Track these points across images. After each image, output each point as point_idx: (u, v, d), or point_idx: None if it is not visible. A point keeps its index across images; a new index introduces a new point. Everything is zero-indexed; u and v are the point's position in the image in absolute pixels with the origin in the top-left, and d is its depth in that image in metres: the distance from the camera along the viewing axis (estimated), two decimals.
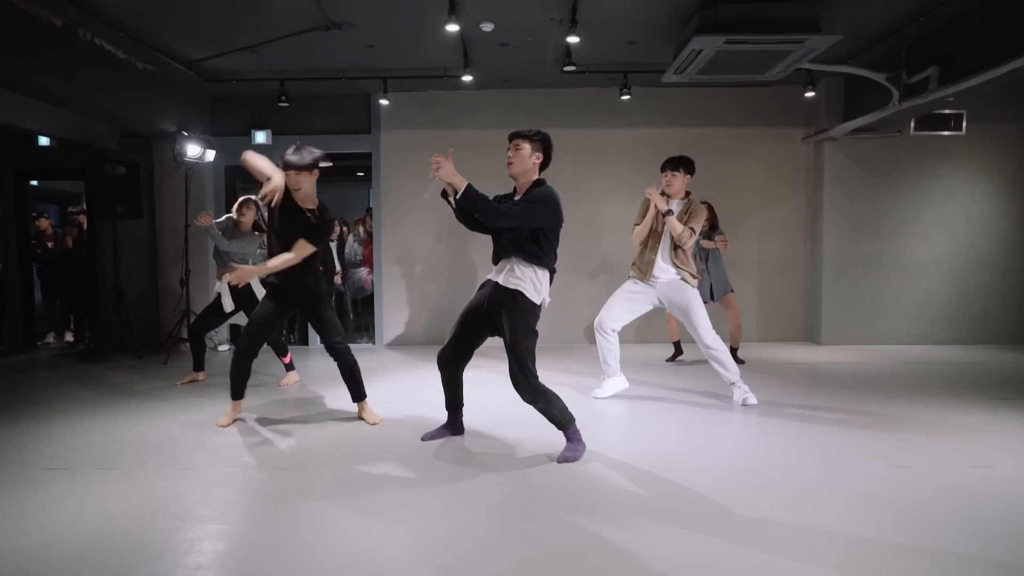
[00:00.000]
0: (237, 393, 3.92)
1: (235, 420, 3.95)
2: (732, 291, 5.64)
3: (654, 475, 3.02)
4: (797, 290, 6.92)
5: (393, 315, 6.96)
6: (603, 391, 4.52)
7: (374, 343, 7.03)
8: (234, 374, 3.88)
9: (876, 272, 6.62)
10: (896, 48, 5.21)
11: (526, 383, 3.09)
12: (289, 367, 5.10)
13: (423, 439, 3.54)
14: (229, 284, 4.50)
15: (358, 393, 3.98)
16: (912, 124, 6.32)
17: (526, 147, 3.20)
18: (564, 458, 3.17)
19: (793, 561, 2.21)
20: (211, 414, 4.13)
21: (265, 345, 3.97)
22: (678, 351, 5.88)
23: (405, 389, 4.87)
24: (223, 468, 3.18)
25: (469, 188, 3.04)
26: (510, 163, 3.21)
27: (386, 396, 4.57)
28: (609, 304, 4.45)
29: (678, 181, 4.34)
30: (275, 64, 5.81)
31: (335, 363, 3.93)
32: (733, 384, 4.31)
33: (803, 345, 6.71)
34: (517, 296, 3.10)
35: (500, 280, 3.15)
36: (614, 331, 4.41)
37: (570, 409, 3.25)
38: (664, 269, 4.33)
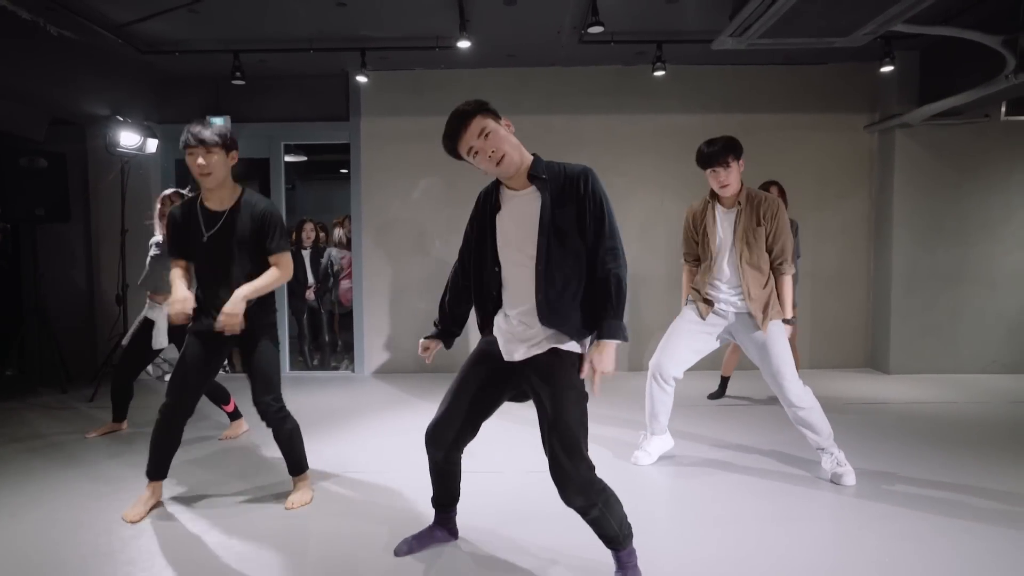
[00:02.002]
0: (158, 471, 2.83)
1: (152, 509, 2.80)
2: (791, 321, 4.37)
3: None
4: (859, 308, 5.80)
5: (376, 337, 5.83)
6: (648, 455, 3.39)
7: (353, 371, 5.89)
8: (157, 443, 2.78)
9: (957, 286, 5.50)
10: (1010, 3, 4.10)
11: (578, 476, 1.96)
12: (234, 416, 3.96)
13: (397, 553, 2.39)
14: (169, 316, 2.75)
15: (294, 465, 2.92)
16: (1004, 107, 5.21)
17: (490, 122, 2.03)
18: None
19: None
20: (118, 489, 3.00)
21: None
22: (723, 389, 4.76)
23: (389, 444, 3.74)
24: None
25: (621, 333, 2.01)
26: (492, 158, 2.03)
27: (360, 453, 3.44)
28: (667, 342, 3.28)
29: (734, 175, 3.09)
30: (226, 31, 4.69)
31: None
32: (822, 450, 3.17)
33: (866, 373, 5.59)
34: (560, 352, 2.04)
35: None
36: (675, 379, 3.28)
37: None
38: (738, 295, 3.14)
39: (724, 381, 4.76)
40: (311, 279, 6.13)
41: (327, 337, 6.36)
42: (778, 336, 3.08)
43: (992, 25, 4.14)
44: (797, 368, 3.14)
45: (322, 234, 6.47)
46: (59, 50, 4.56)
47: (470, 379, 2.21)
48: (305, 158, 7.53)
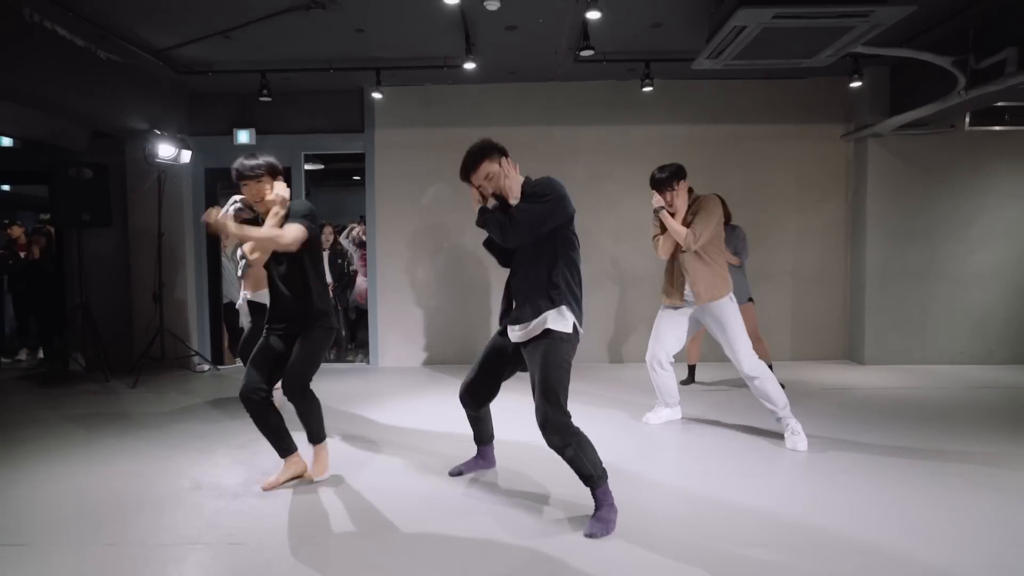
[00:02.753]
0: (283, 447, 3.06)
1: (289, 480, 3.08)
2: (752, 300, 4.99)
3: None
4: (836, 304, 6.24)
5: (390, 333, 6.31)
6: (657, 416, 4.14)
7: (368, 363, 6.38)
8: (261, 427, 3.00)
9: (926, 284, 5.94)
10: (961, 29, 4.55)
11: (555, 419, 2.52)
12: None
13: (452, 473, 3.18)
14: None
15: (313, 434, 3.15)
16: (967, 118, 5.66)
17: (494, 167, 2.66)
18: (592, 532, 2.51)
19: None
20: (167, 458, 3.49)
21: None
22: (692, 376, 5.28)
23: (406, 421, 4.21)
24: (171, 545, 2.53)
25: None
26: (492, 194, 2.68)
27: (378, 430, 3.92)
28: (656, 336, 3.99)
29: (680, 196, 3.79)
30: (254, 53, 5.19)
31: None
32: (780, 419, 3.67)
33: (843, 365, 6.03)
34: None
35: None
36: (671, 363, 4.04)
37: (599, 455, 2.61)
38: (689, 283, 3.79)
39: (692, 369, 5.28)
40: (329, 278, 6.61)
41: (344, 332, 6.84)
42: (731, 314, 3.67)
43: (944, 47, 4.60)
44: (767, 357, 3.64)
45: (335, 234, 6.94)
46: (105, 72, 5.08)
47: (492, 353, 2.88)
48: (322, 166, 8.04)
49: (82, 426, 4.16)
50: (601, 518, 2.55)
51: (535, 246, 2.62)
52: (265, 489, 3.02)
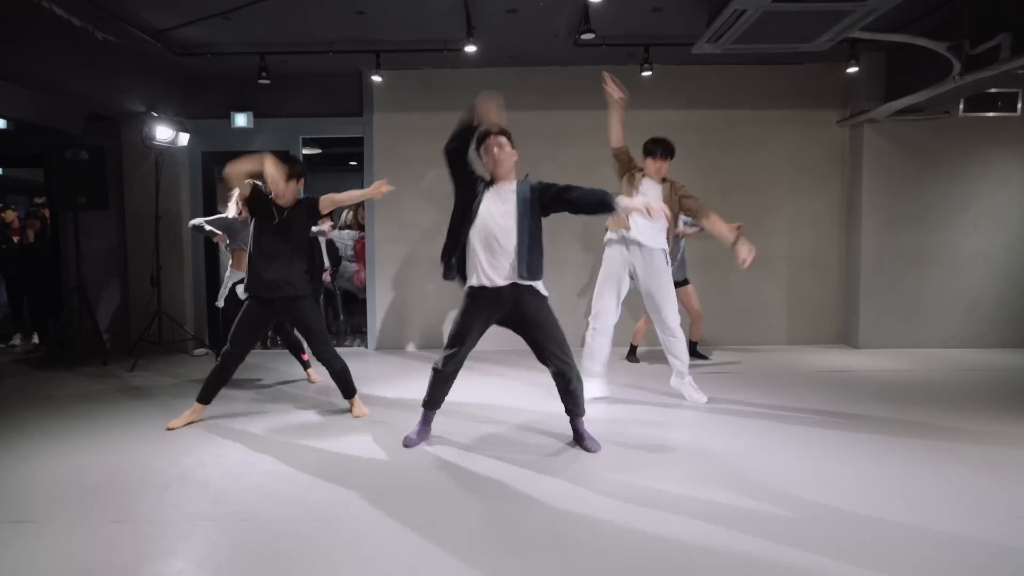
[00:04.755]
0: (205, 397, 3.75)
1: (189, 423, 3.70)
2: (689, 282, 5.37)
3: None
4: (831, 289, 6.32)
5: (387, 316, 6.34)
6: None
7: (366, 347, 6.40)
8: (213, 378, 3.71)
9: (919, 268, 6.02)
10: (957, 14, 4.59)
11: (573, 362, 3.22)
12: (307, 364, 4.93)
13: (407, 445, 3.33)
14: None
15: (346, 391, 3.92)
16: (961, 105, 5.72)
17: (508, 145, 3.20)
18: (596, 445, 3.22)
19: None
20: (170, 437, 3.52)
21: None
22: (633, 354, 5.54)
23: (399, 408, 4.25)
24: (177, 521, 2.56)
25: None
26: (500, 162, 3.17)
27: (377, 413, 3.96)
28: (601, 289, 4.20)
29: (666, 168, 4.27)
30: (253, 36, 5.17)
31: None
32: (683, 377, 4.15)
33: (838, 348, 6.11)
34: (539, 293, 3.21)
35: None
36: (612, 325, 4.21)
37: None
38: (648, 229, 4.00)
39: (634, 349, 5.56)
40: (327, 262, 6.62)
41: (341, 317, 6.86)
42: (668, 271, 4.10)
43: (940, 33, 4.64)
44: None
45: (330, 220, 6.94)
46: (102, 52, 5.04)
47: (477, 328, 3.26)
48: (320, 151, 8.01)
49: (82, 406, 4.17)
50: (591, 437, 3.24)
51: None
52: (169, 429, 3.60)
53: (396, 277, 6.31)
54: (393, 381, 4.92)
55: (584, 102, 6.15)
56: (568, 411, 3.28)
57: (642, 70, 5.52)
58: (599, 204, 2.99)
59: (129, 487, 2.86)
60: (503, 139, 3.14)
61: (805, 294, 6.30)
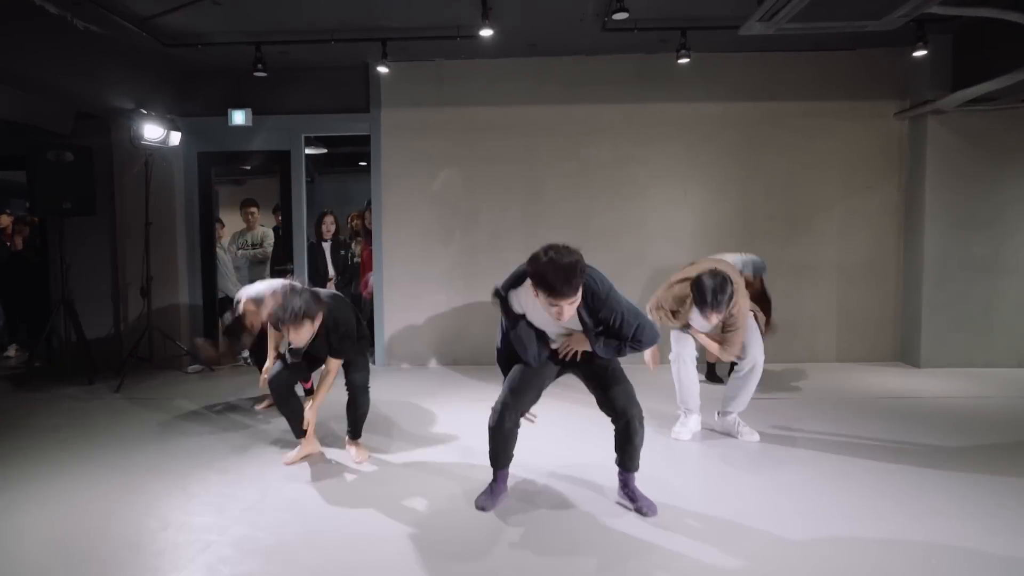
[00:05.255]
0: (296, 430, 3.40)
1: (304, 458, 3.36)
2: None
3: None
4: (888, 300, 5.67)
5: (396, 329, 5.82)
6: (688, 430, 3.65)
7: (374, 363, 5.89)
8: (286, 412, 3.38)
9: (990, 278, 5.35)
10: None
11: (635, 396, 2.73)
12: (309, 392, 4.31)
13: (481, 508, 2.73)
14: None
15: (356, 431, 3.46)
16: None
17: (577, 298, 2.42)
18: (651, 509, 2.67)
19: None
20: (147, 482, 3.02)
21: None
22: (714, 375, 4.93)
23: (416, 435, 3.72)
24: None
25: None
26: (561, 317, 2.45)
27: (387, 442, 3.43)
28: (683, 335, 3.59)
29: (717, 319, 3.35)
30: (247, 23, 4.69)
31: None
32: (734, 415, 3.60)
33: (896, 367, 5.47)
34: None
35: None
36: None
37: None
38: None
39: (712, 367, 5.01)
40: (332, 272, 6.14)
41: None
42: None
43: None
44: None
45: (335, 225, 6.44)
46: (84, 44, 4.60)
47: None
48: (325, 150, 7.53)
49: (47, 444, 3.67)
50: (645, 498, 2.69)
51: None
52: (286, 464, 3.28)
53: (406, 287, 5.79)
54: (405, 404, 4.39)
55: (611, 95, 5.60)
56: (620, 463, 2.76)
57: (678, 57, 4.94)
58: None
59: (68, 561, 2.36)
60: (573, 297, 2.40)
61: (858, 306, 5.66)
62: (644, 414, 2.69)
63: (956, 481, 2.95)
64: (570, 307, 2.38)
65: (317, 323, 3.09)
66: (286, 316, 2.97)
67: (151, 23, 4.55)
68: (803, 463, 3.22)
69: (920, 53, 4.76)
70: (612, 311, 2.50)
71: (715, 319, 3.25)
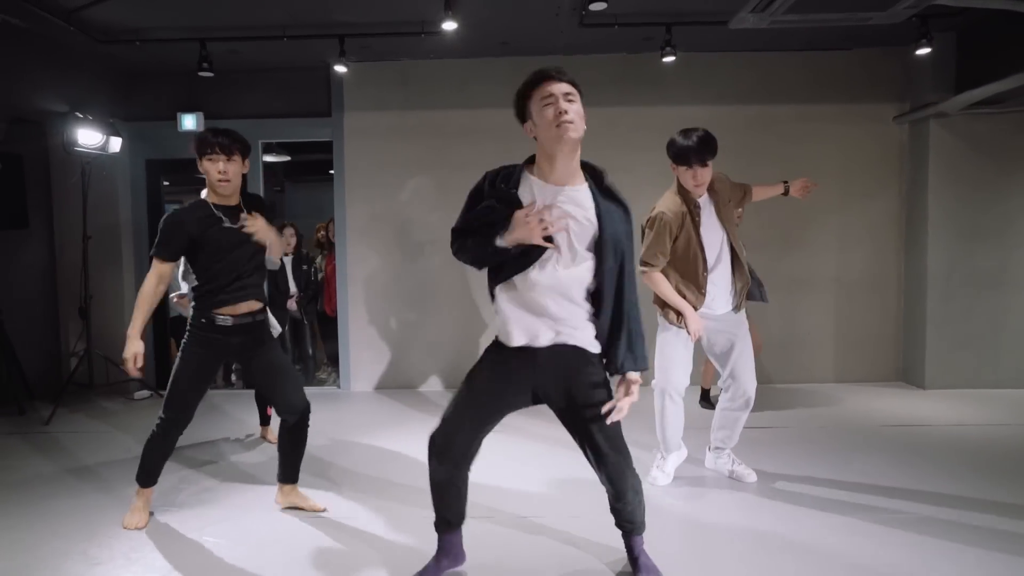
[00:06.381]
0: (150, 478, 2.80)
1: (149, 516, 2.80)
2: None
3: None
4: (888, 316, 5.30)
5: (363, 351, 5.38)
6: (666, 474, 3.17)
7: (339, 387, 5.45)
8: (150, 454, 2.77)
9: (998, 293, 4.99)
10: None
11: (630, 466, 2.11)
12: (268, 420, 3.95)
13: None
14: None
15: (294, 475, 2.90)
16: None
17: (578, 98, 1.97)
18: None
19: None
20: (72, 530, 2.56)
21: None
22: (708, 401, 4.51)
23: (381, 473, 3.28)
24: None
25: None
26: (570, 120, 1.88)
27: (349, 478, 2.99)
28: (674, 359, 3.05)
29: (709, 172, 2.97)
30: (189, 17, 4.26)
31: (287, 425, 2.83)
32: (720, 449, 3.21)
33: (898, 388, 5.10)
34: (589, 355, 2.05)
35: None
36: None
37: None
38: (728, 298, 3.02)
39: (706, 393, 4.56)
40: (293, 288, 5.69)
41: (310, 350, 5.92)
42: (747, 325, 3.09)
43: None
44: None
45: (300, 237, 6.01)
46: (6, 40, 4.16)
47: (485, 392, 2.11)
48: (288, 158, 7.09)
49: None
50: (652, 567, 2.22)
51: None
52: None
53: (372, 305, 5.36)
54: (370, 433, 3.95)
55: (591, 97, 5.09)
56: (617, 524, 2.24)
57: (663, 55, 4.56)
58: None
59: None
60: (574, 87, 1.97)
61: (857, 322, 5.29)
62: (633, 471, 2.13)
63: (971, 537, 2.56)
64: (569, 103, 1.87)
65: (245, 169, 2.71)
66: (216, 138, 2.61)
67: (79, 16, 4.11)
68: (806, 514, 2.81)
69: (923, 51, 4.41)
70: (622, 241, 2.00)
71: (704, 175, 2.88)
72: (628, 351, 2.03)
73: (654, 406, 3.15)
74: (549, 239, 1.92)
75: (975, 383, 4.98)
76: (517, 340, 2.00)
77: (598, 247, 1.96)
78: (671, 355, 3.04)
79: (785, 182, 3.36)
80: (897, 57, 4.96)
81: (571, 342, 2.00)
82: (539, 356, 2.00)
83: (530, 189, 1.98)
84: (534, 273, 1.95)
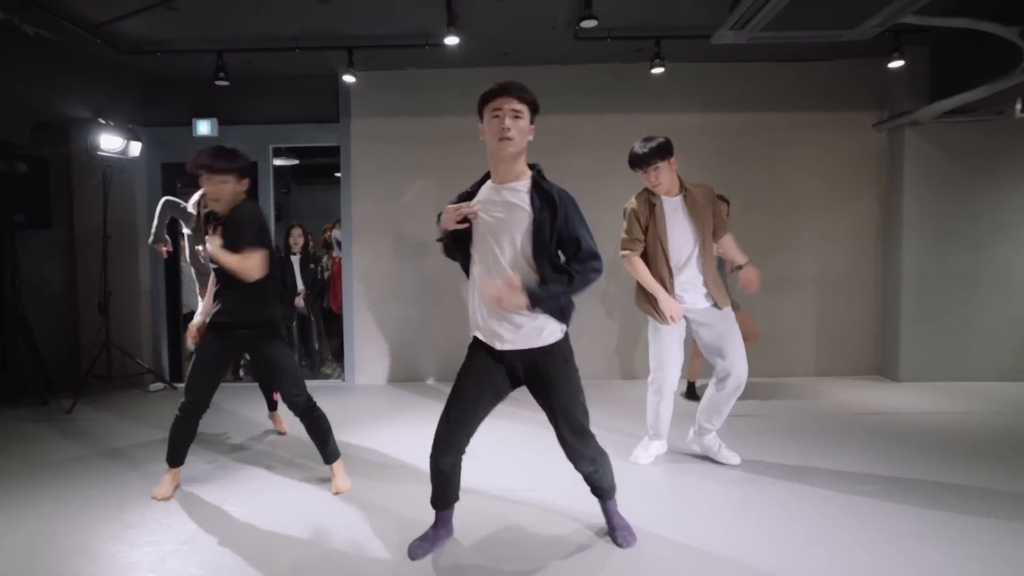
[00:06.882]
0: (177, 459, 3.10)
1: (175, 488, 3.10)
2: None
3: None
4: (866, 313, 5.58)
5: (367, 346, 5.64)
6: (648, 455, 3.45)
7: (344, 380, 5.71)
8: (176, 437, 3.06)
9: (969, 290, 5.27)
10: None
11: (587, 442, 2.38)
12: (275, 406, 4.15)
13: (412, 557, 2.44)
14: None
15: (328, 455, 3.15)
16: (1019, 104, 4.99)
17: (526, 115, 2.24)
18: (626, 539, 2.49)
19: None
20: (57, 519, 2.83)
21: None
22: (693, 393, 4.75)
23: (388, 453, 3.54)
24: None
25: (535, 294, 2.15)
26: (508, 137, 2.16)
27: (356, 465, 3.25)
28: (667, 356, 3.30)
29: (664, 173, 3.18)
30: (207, 30, 4.54)
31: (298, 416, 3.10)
32: (712, 433, 3.40)
33: (875, 381, 5.37)
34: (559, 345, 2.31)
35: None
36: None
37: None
38: (701, 295, 3.24)
39: (692, 386, 4.80)
40: (301, 286, 5.96)
41: (316, 346, 6.18)
42: (734, 321, 3.27)
43: (1008, 16, 3.94)
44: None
45: (308, 237, 6.28)
46: (37, 50, 4.42)
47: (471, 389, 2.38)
48: (296, 161, 7.37)
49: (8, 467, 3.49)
50: (623, 524, 2.53)
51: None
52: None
53: (377, 302, 5.63)
54: (375, 424, 4.22)
55: (586, 104, 5.49)
56: (593, 492, 2.55)
57: (652, 66, 4.84)
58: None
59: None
60: (517, 102, 2.21)
61: (837, 319, 5.57)
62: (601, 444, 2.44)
63: (939, 507, 2.83)
64: (514, 120, 2.12)
65: (241, 187, 2.89)
66: (210, 159, 2.79)
67: (105, 29, 4.38)
68: (781, 489, 3.08)
69: (896, 64, 4.69)
70: (571, 222, 2.19)
71: (655, 177, 3.13)
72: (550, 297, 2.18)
73: (647, 398, 3.43)
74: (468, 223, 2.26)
75: (948, 376, 5.26)
76: (480, 336, 2.34)
77: (532, 229, 2.20)
78: (664, 351, 3.28)
79: (747, 262, 3.40)
80: (876, 69, 5.24)
81: (526, 347, 2.25)
82: (504, 354, 2.29)
83: (484, 189, 2.32)
84: (477, 269, 2.28)
